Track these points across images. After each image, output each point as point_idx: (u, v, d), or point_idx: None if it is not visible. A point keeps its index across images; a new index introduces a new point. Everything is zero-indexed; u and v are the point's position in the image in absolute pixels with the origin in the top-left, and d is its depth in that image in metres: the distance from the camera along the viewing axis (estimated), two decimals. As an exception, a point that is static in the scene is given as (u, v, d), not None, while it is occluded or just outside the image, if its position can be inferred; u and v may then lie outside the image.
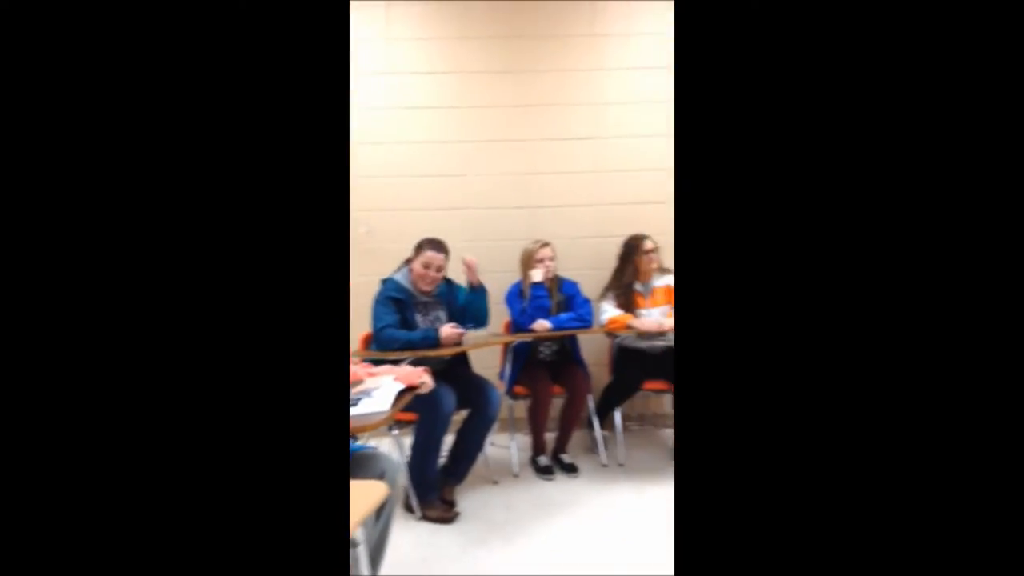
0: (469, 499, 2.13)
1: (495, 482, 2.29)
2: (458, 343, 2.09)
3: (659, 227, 2.60)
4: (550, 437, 2.44)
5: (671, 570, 1.66)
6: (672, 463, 2.43)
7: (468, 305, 2.25)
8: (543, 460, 2.39)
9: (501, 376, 2.53)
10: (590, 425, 2.51)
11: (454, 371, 2.18)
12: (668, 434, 2.66)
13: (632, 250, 2.51)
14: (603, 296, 2.52)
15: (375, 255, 2.61)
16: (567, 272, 2.59)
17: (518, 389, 2.42)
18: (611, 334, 2.55)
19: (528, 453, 2.45)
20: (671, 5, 2.75)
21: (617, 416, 2.50)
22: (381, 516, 1.40)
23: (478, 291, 2.25)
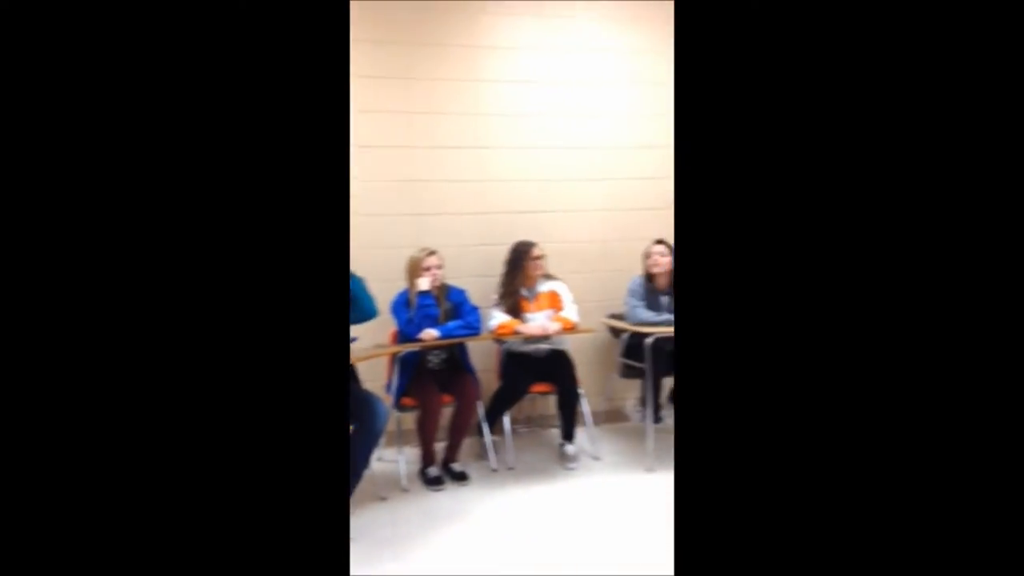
0: (355, 518, 2.04)
1: (383, 498, 2.22)
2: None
3: (541, 235, 2.70)
4: (439, 447, 2.42)
5: (565, 565, 1.72)
6: (559, 461, 2.52)
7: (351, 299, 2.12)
8: (432, 471, 2.36)
9: (388, 388, 2.46)
10: (480, 432, 2.53)
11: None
12: (554, 434, 2.76)
13: (521, 256, 2.57)
14: (496, 303, 2.55)
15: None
16: (454, 280, 2.59)
17: (406, 401, 2.37)
18: (499, 340, 2.59)
19: (417, 465, 2.41)
20: (550, 21, 2.88)
21: (506, 420, 2.54)
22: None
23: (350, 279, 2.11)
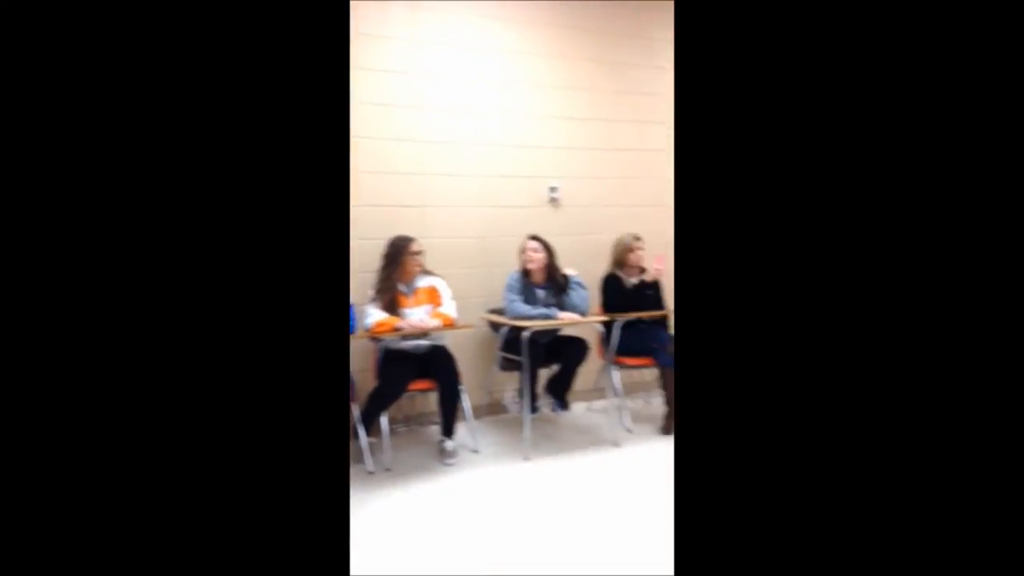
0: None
1: (247, 514, 2.04)
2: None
3: (418, 230, 2.66)
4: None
5: (443, 561, 1.70)
6: (438, 458, 2.50)
7: None
8: (304, 479, 2.21)
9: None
10: (355, 434, 2.43)
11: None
12: (434, 431, 2.74)
13: (399, 251, 2.50)
14: (372, 299, 2.46)
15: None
16: (325, 276, 2.45)
17: (272, 406, 2.20)
18: (376, 338, 2.50)
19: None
20: (425, 15, 2.83)
21: (384, 421, 2.47)
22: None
23: None
